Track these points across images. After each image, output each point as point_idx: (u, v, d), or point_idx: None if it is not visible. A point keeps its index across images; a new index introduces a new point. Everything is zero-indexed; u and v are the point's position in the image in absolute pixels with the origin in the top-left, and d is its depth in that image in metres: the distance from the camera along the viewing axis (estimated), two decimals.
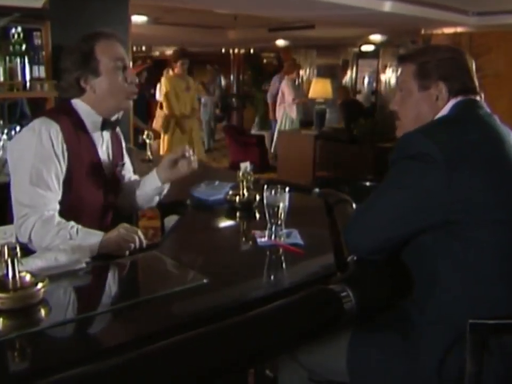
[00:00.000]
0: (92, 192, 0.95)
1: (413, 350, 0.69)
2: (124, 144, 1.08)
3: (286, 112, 3.98)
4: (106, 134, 0.99)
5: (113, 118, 0.97)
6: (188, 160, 0.97)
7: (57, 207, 0.89)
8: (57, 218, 0.87)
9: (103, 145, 0.98)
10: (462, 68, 0.77)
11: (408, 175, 0.70)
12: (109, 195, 0.99)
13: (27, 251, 0.82)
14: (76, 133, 0.92)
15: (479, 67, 0.79)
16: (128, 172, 1.10)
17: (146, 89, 3.59)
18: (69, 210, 0.90)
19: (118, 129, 1.05)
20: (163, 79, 3.10)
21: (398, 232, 0.71)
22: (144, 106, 3.21)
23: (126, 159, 1.08)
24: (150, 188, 1.03)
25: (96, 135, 0.96)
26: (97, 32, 0.93)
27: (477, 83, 0.77)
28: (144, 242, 0.86)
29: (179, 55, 2.92)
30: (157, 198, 1.06)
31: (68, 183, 0.91)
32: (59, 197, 0.90)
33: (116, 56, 0.92)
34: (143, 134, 1.99)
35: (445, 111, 0.76)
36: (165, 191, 1.04)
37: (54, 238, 0.84)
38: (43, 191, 0.87)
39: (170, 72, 3.38)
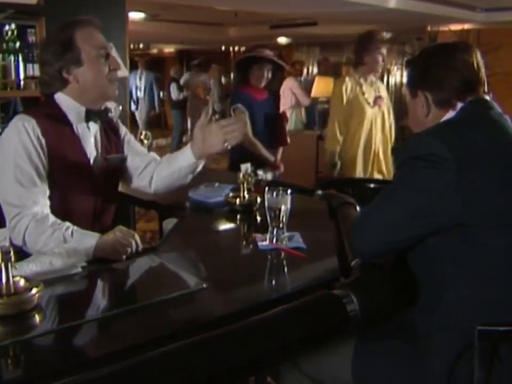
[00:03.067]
0: (80, 190, 0.92)
1: (420, 358, 0.68)
2: (123, 132, 1.02)
3: (296, 113, 3.89)
4: (94, 126, 0.95)
5: (98, 108, 0.93)
6: (220, 130, 0.89)
7: (47, 202, 0.87)
8: (52, 218, 0.85)
9: (91, 138, 0.94)
10: (465, 68, 0.73)
11: (416, 177, 0.68)
12: (100, 194, 0.95)
13: (21, 253, 0.80)
14: (56, 126, 0.89)
15: (487, 65, 0.77)
16: (140, 155, 1.02)
17: (272, 99, 1.75)
18: (57, 210, 0.88)
19: (116, 118, 1.02)
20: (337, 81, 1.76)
21: (405, 234, 0.69)
22: (274, 123, 1.72)
23: (132, 148, 1.01)
24: (183, 164, 0.96)
25: (81, 128, 0.92)
26: (74, 20, 0.90)
27: (485, 81, 0.75)
28: (140, 246, 0.84)
29: (368, 39, 1.60)
30: (190, 176, 0.99)
31: (52, 180, 0.88)
32: (47, 192, 0.87)
33: (97, 44, 0.89)
34: (265, 170, 1.44)
35: (453, 112, 0.74)
36: (199, 169, 0.97)
37: (48, 240, 0.82)
38: (29, 188, 0.85)
39: (351, 70, 1.74)
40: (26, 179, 0.85)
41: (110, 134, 0.99)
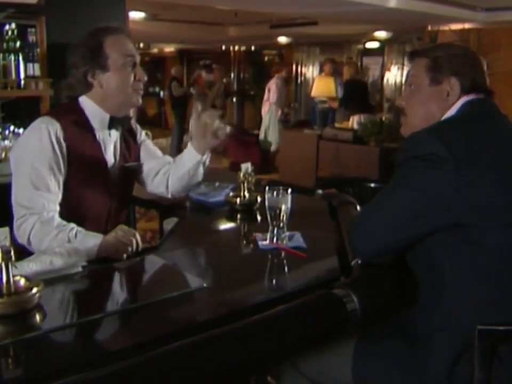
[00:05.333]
0: (96, 195, 0.93)
1: (421, 359, 0.68)
2: (141, 136, 1.03)
3: (271, 110, 3.97)
4: (115, 134, 0.96)
5: (121, 115, 0.94)
6: (213, 119, 0.93)
7: (57, 208, 0.88)
8: (57, 220, 0.86)
9: (111, 145, 0.95)
10: (475, 65, 0.75)
11: (416, 176, 0.68)
12: (115, 199, 0.96)
13: (24, 251, 0.80)
14: (80, 132, 0.90)
15: (487, 65, 0.77)
16: (156, 159, 1.03)
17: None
18: (71, 214, 0.88)
19: (134, 124, 1.03)
20: None
21: (405, 234, 0.69)
22: None
23: (148, 152, 1.02)
24: (190, 165, 0.97)
25: (103, 135, 0.93)
26: (105, 26, 0.91)
27: (488, 83, 0.75)
28: (141, 245, 0.84)
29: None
30: (201, 170, 0.99)
31: (69, 185, 0.89)
32: (59, 199, 0.88)
33: (125, 52, 0.90)
34: None
35: (453, 110, 0.74)
36: (208, 161, 0.99)
37: (53, 241, 0.82)
38: (42, 192, 0.85)
39: None
40: (40, 183, 0.85)
41: (129, 139, 1.00)
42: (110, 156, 0.95)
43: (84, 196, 0.91)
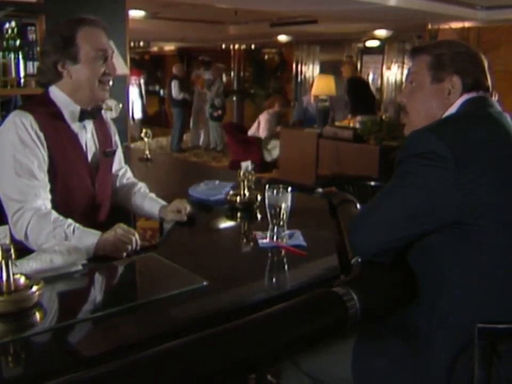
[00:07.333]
0: (80, 182, 0.93)
1: (420, 357, 0.68)
2: (113, 131, 1.05)
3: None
4: (89, 123, 0.97)
5: (91, 107, 0.94)
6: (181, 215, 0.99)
7: (49, 196, 0.88)
8: (54, 214, 0.86)
9: (88, 133, 0.96)
10: (477, 63, 0.75)
11: (416, 174, 0.68)
12: (99, 185, 0.97)
13: (22, 247, 0.80)
14: (54, 122, 0.90)
15: (489, 63, 0.77)
16: (118, 164, 1.07)
17: None
18: (59, 202, 0.89)
19: (106, 116, 1.04)
20: None
21: (405, 232, 0.69)
22: None
23: (118, 149, 1.06)
24: (148, 213, 1.04)
25: (77, 125, 0.94)
26: (81, 18, 0.91)
27: (490, 81, 0.75)
28: (139, 244, 0.85)
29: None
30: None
31: (54, 174, 0.89)
32: (48, 186, 0.89)
33: (97, 45, 0.90)
34: None
35: (453, 108, 0.74)
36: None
37: (49, 236, 0.82)
38: (30, 181, 0.86)
39: None
40: (26, 173, 0.85)
41: (102, 127, 1.01)
42: (90, 144, 0.96)
43: (69, 184, 0.91)
